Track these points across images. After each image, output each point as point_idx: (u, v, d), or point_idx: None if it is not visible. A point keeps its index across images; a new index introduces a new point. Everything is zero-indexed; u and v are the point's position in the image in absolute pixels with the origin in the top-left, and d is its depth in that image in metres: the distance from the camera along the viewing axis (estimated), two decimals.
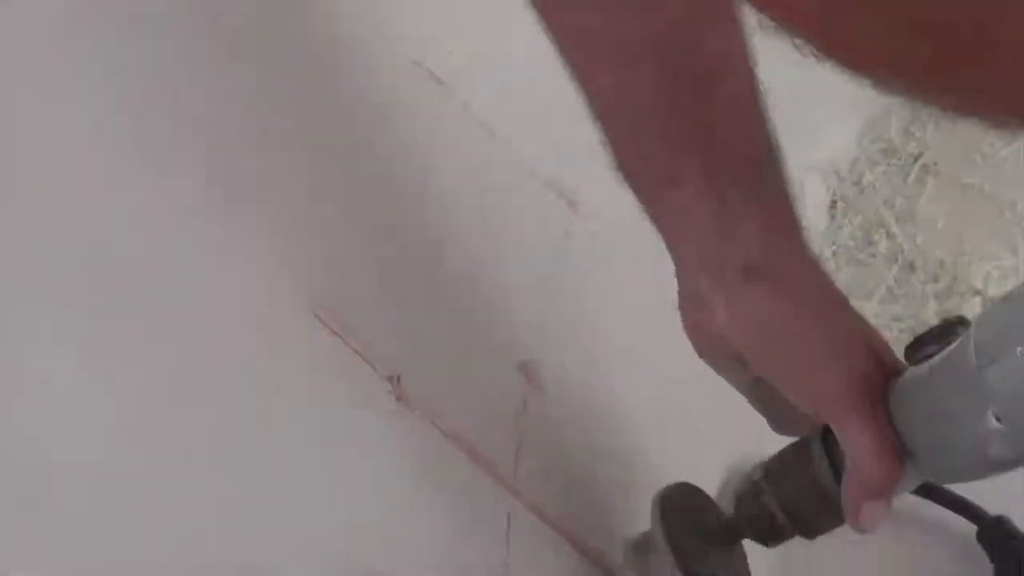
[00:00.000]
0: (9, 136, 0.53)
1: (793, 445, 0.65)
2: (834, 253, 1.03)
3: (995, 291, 1.00)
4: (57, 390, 0.49)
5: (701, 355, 0.65)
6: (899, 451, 0.59)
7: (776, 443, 0.66)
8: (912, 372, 0.59)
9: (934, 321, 0.98)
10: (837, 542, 0.84)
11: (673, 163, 0.59)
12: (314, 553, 0.56)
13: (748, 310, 0.61)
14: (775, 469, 0.65)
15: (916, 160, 1.09)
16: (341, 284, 0.63)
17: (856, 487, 0.60)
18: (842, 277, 1.02)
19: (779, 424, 0.67)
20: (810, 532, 0.65)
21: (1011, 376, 0.53)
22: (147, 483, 0.51)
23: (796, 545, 0.82)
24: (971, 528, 0.85)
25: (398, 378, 0.63)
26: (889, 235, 1.04)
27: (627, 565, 0.69)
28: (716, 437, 0.73)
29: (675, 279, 0.66)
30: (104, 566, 0.47)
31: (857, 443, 0.59)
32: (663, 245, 0.62)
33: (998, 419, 0.54)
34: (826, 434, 0.62)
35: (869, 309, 1.00)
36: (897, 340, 0.98)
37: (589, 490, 0.72)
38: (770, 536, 0.66)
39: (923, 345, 0.58)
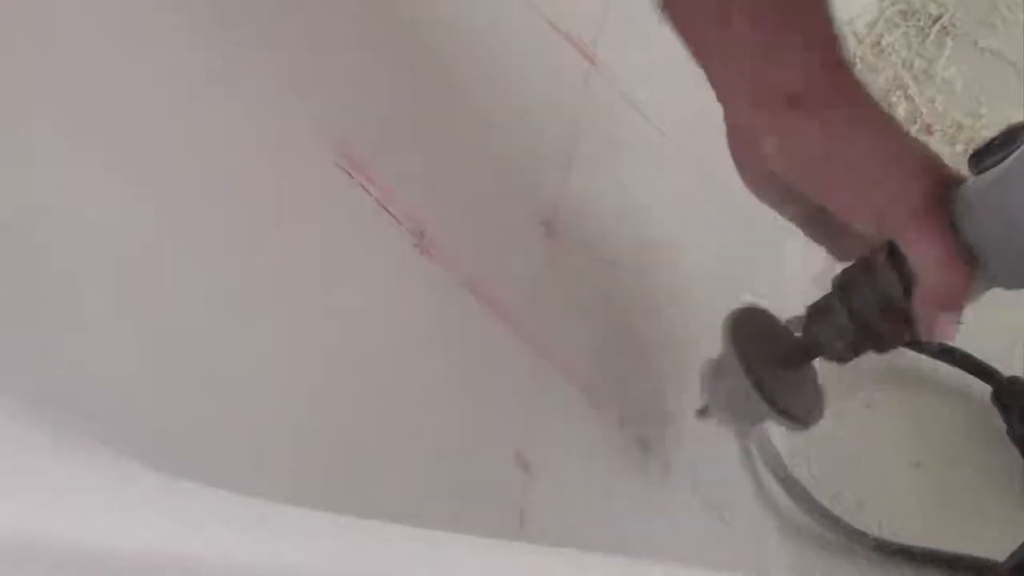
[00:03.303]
0: None
1: (860, 261, 0.64)
2: None
3: None
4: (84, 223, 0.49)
5: (754, 191, 0.65)
6: (967, 262, 0.59)
7: None
8: (979, 179, 0.59)
9: None
10: (855, 405, 0.85)
11: None
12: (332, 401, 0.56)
13: (795, 139, 0.61)
14: (844, 286, 0.65)
15: (935, 22, 1.07)
16: (364, 135, 0.62)
17: (927, 300, 0.60)
18: None
19: (843, 252, 0.67)
20: (881, 344, 0.65)
21: None
22: (172, 326, 0.51)
23: None
24: (986, 389, 0.85)
25: (422, 232, 0.63)
26: (907, 97, 1.03)
27: (704, 392, 0.70)
28: (739, 294, 0.72)
29: (691, 139, 0.67)
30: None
31: (925, 256, 0.59)
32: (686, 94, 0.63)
33: None
34: (891, 247, 0.61)
35: None
36: None
37: (612, 348, 0.72)
38: (843, 353, 0.66)
39: (987, 154, 0.58)
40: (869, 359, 0.86)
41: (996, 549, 0.79)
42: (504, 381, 0.65)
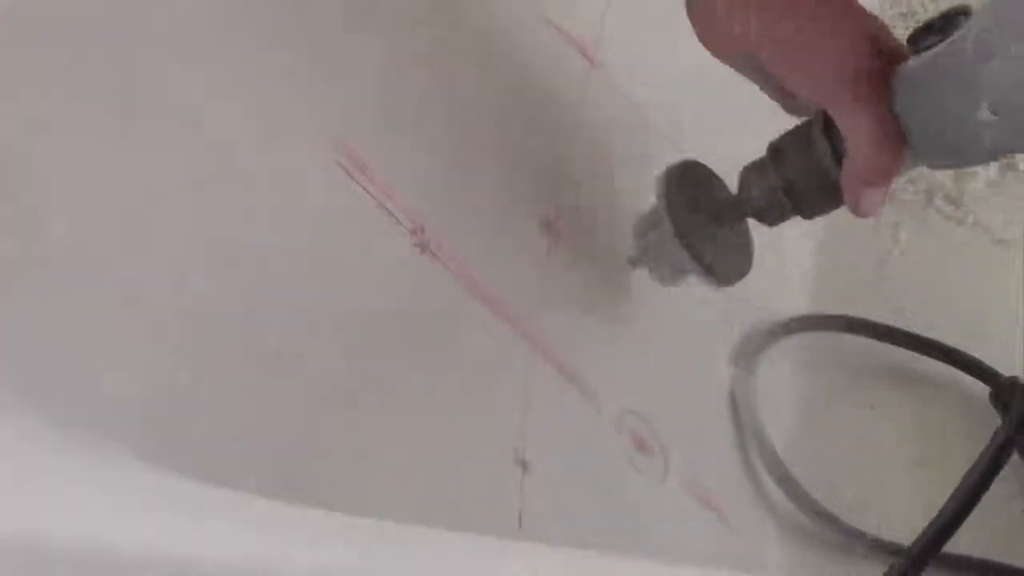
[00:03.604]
0: None
1: (797, 127, 0.66)
2: None
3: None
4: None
5: (709, 50, 0.66)
6: (899, 140, 0.60)
7: None
8: (914, 61, 0.60)
9: (949, 183, 0.99)
10: (855, 405, 0.85)
11: None
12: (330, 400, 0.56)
13: (746, 5, 0.62)
14: (779, 150, 0.66)
15: None
16: (364, 134, 0.62)
17: (855, 173, 0.61)
18: None
19: (792, 110, 0.67)
20: (808, 212, 0.66)
21: (1006, 71, 0.54)
22: (173, 326, 0.51)
23: (813, 407, 0.83)
24: (986, 389, 0.85)
25: (421, 228, 0.62)
26: None
27: (635, 242, 0.70)
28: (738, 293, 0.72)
29: (691, 139, 0.66)
30: None
31: (856, 130, 0.60)
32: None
33: (992, 111, 0.55)
34: (828, 118, 0.63)
35: None
36: (911, 203, 0.98)
37: (611, 348, 0.72)
38: (770, 215, 0.67)
39: (926, 35, 0.59)
40: (868, 359, 0.87)
41: (996, 549, 0.79)
42: (503, 380, 0.65)
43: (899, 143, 0.60)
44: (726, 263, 0.69)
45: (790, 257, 0.89)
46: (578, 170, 0.70)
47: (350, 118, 0.62)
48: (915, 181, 0.99)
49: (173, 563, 0.35)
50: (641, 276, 0.72)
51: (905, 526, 0.80)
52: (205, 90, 0.57)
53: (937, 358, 0.86)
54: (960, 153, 0.60)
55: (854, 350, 0.86)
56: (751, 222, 0.70)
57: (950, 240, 0.96)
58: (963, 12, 0.58)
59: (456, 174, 0.68)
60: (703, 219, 0.68)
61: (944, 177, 0.99)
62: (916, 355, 0.86)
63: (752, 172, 0.67)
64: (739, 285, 0.70)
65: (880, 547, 0.78)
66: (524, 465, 0.62)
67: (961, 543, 0.79)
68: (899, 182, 0.98)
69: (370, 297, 0.60)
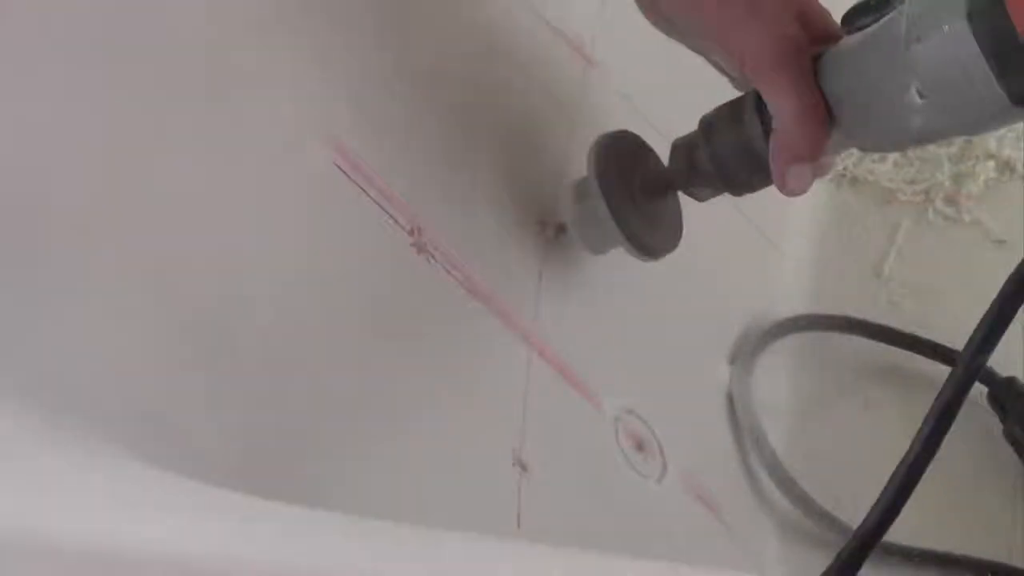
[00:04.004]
0: None
1: (730, 102, 0.65)
2: None
3: (1009, 153, 0.99)
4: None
5: (648, 18, 0.67)
6: (823, 116, 0.60)
7: None
8: (845, 41, 0.60)
9: (948, 184, 0.99)
10: (854, 405, 0.85)
11: None
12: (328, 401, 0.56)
13: None
14: (711, 124, 0.66)
15: None
16: (362, 135, 0.62)
17: (781, 149, 0.61)
18: None
19: (738, 84, 0.67)
20: (737, 189, 0.66)
21: (937, 53, 0.54)
22: (171, 326, 0.51)
23: (811, 406, 0.83)
24: (982, 389, 0.85)
25: (419, 229, 0.63)
26: None
27: (567, 212, 0.70)
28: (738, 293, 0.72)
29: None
30: None
31: (781, 105, 0.60)
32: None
33: (920, 95, 0.55)
34: (759, 95, 0.62)
35: (883, 172, 0.99)
36: (910, 204, 0.98)
37: (609, 348, 0.72)
38: (700, 189, 0.67)
39: (859, 15, 0.59)
40: (866, 359, 0.87)
41: (994, 549, 0.79)
42: (501, 380, 0.65)
43: (823, 120, 0.60)
44: (654, 236, 0.69)
45: (788, 257, 0.89)
46: (576, 170, 0.70)
47: (347, 118, 0.62)
48: (914, 181, 0.99)
49: (173, 563, 0.35)
50: (640, 275, 0.72)
51: (903, 525, 0.80)
52: (203, 89, 0.57)
53: (935, 358, 0.86)
54: (888, 136, 0.60)
55: (852, 350, 0.86)
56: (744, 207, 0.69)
57: (949, 240, 0.96)
58: None
59: (453, 174, 0.68)
60: (633, 191, 0.68)
61: (943, 177, 0.98)
62: (914, 355, 0.86)
63: (683, 146, 0.67)
64: (737, 284, 0.70)
65: (880, 547, 0.78)
66: (522, 465, 0.62)
67: (962, 543, 0.79)
68: (897, 182, 0.99)
69: (368, 297, 0.60)
